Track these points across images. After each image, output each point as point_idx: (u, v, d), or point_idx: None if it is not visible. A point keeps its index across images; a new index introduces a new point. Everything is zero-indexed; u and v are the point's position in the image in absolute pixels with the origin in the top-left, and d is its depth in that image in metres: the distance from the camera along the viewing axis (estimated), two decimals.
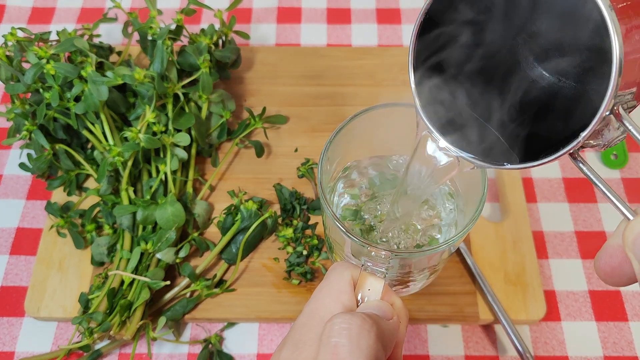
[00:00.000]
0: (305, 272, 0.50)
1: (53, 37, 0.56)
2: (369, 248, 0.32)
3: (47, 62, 0.50)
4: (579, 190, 0.57)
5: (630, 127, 0.23)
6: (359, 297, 0.30)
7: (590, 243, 0.54)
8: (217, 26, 0.63)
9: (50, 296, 0.50)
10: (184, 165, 0.55)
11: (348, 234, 0.34)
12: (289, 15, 0.71)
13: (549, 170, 0.58)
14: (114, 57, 0.61)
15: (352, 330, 0.25)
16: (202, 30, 0.57)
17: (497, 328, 0.50)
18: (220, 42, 0.60)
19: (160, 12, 0.57)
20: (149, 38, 0.57)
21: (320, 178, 0.36)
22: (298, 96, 0.61)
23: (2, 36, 0.51)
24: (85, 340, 0.45)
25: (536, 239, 0.54)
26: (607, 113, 0.23)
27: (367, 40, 0.69)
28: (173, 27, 0.55)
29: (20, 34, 0.52)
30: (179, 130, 0.53)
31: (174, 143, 0.52)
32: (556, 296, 0.52)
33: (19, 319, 0.51)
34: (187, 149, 0.54)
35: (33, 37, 0.52)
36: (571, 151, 0.24)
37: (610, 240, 0.23)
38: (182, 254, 0.50)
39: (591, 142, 0.25)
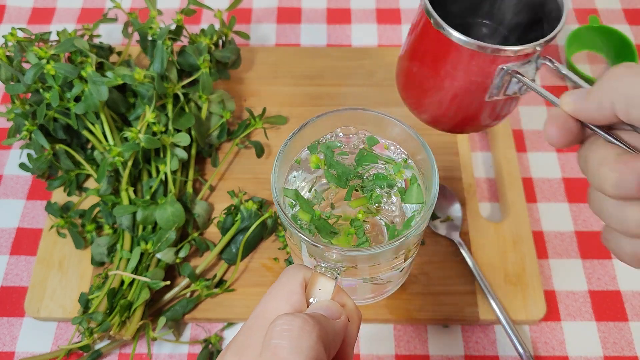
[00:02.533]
0: None
1: (53, 37, 0.56)
2: (321, 248, 0.32)
3: (47, 62, 0.50)
4: (579, 190, 0.57)
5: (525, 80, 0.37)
6: (311, 300, 0.30)
7: (590, 243, 0.54)
8: (217, 26, 0.63)
9: (50, 296, 0.50)
10: (184, 165, 0.55)
11: (301, 234, 0.33)
12: (289, 15, 0.71)
13: (549, 170, 0.58)
14: (114, 57, 0.61)
15: (293, 331, 0.25)
16: (202, 30, 0.57)
17: (497, 328, 0.50)
18: (220, 42, 0.60)
19: (160, 12, 0.57)
20: (149, 38, 0.57)
21: (274, 183, 0.36)
22: (298, 96, 0.61)
23: (2, 36, 0.51)
24: (85, 340, 0.45)
25: (536, 239, 0.54)
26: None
27: (367, 40, 0.69)
28: (173, 27, 0.55)
29: (20, 34, 0.52)
30: (179, 130, 0.53)
31: (174, 143, 0.52)
32: (556, 296, 0.52)
33: (19, 319, 0.51)
34: (187, 149, 0.54)
35: (33, 37, 0.52)
36: (528, 52, 0.36)
37: (550, 112, 0.28)
38: (182, 254, 0.50)
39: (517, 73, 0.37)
